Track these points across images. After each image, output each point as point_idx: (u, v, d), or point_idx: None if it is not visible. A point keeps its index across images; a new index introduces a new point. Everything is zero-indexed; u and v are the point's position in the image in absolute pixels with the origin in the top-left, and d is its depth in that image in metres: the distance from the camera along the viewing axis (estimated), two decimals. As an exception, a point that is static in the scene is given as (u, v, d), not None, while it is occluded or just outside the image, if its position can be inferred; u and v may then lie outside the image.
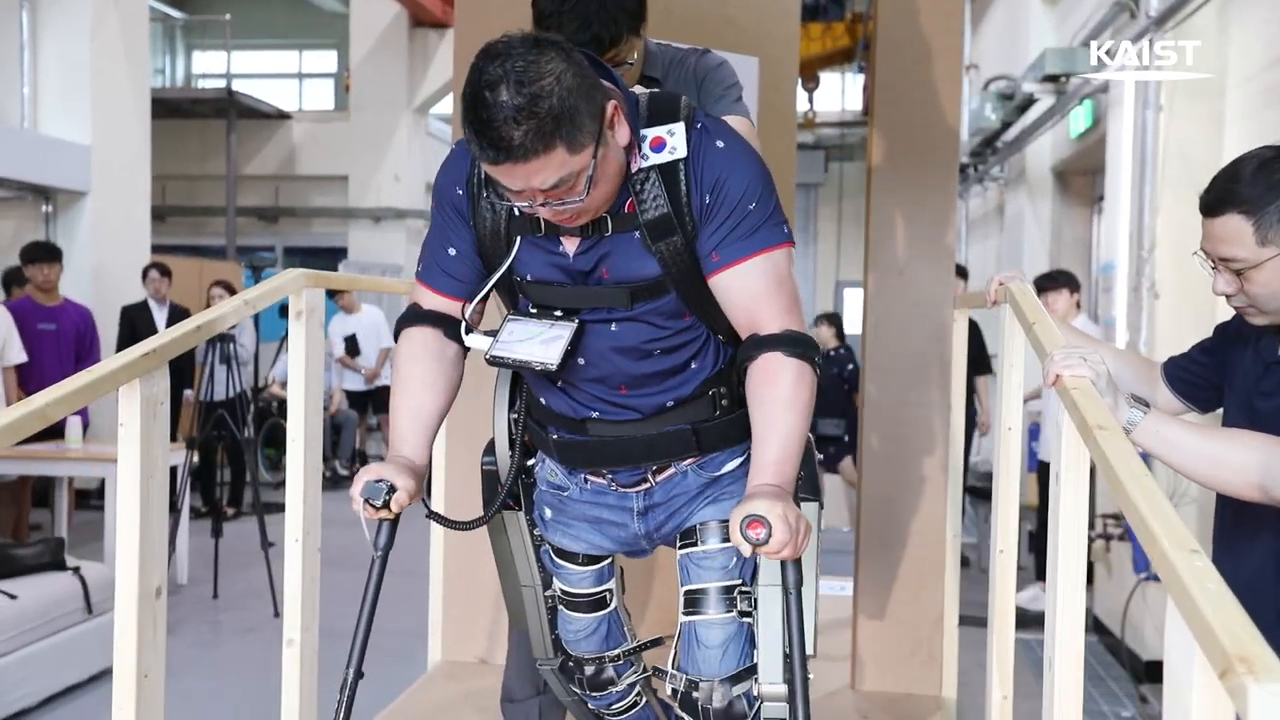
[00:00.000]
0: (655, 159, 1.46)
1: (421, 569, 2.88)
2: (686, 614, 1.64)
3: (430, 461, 1.61)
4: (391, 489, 1.48)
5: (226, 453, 7.14)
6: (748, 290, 1.49)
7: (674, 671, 1.66)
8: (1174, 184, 4.25)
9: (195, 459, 7.39)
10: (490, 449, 1.77)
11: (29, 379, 5.47)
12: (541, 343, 1.50)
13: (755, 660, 1.62)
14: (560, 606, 1.80)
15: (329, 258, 12.42)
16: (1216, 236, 1.58)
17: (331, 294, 8.64)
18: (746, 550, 1.37)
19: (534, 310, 1.54)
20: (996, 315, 2.11)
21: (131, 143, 7.70)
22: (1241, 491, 1.48)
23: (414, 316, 1.60)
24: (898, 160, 2.71)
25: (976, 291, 2.47)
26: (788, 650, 1.51)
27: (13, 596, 3.64)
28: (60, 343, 5.58)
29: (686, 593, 1.65)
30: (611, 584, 1.79)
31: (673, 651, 1.67)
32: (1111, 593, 4.72)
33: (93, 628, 3.95)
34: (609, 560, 1.77)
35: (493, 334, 1.54)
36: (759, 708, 1.62)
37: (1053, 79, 5.70)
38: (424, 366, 1.58)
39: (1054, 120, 6.04)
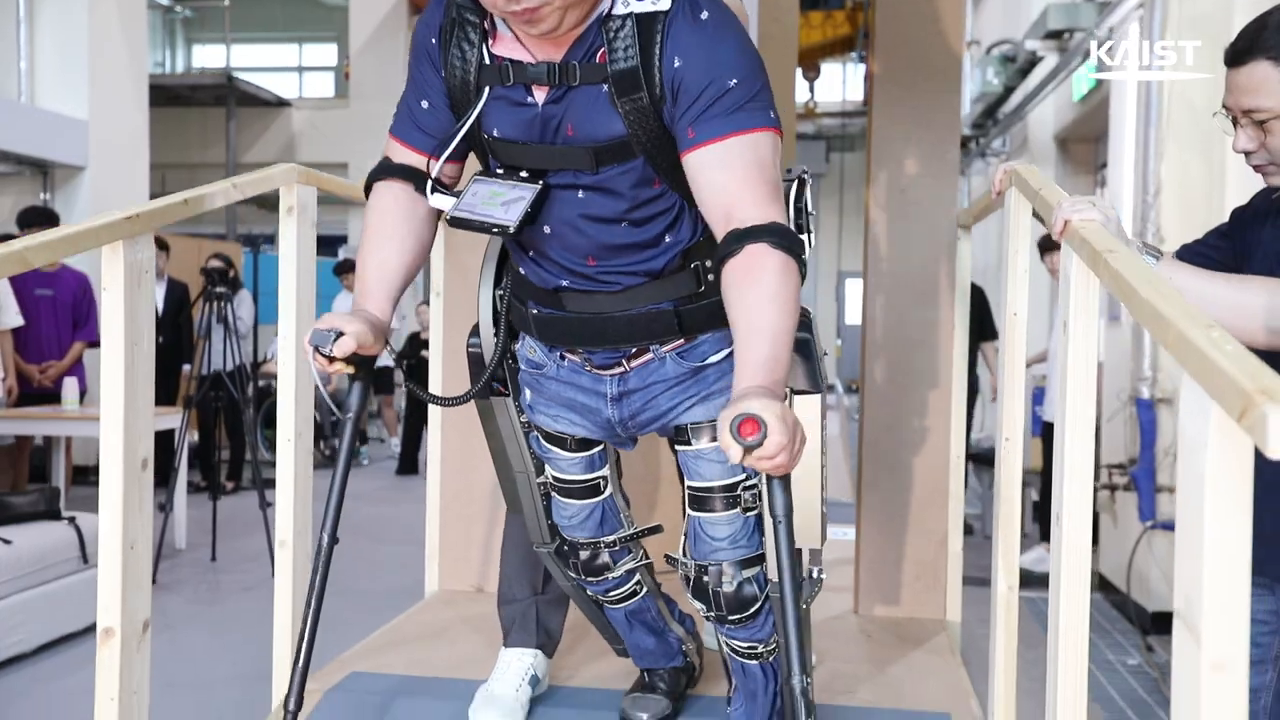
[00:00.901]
0: (636, 7, 1.39)
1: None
2: (692, 509, 1.63)
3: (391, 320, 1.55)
4: (339, 335, 1.42)
5: (226, 429, 7.11)
6: (724, 173, 1.38)
7: (684, 559, 1.66)
8: (1177, 128, 4.21)
9: (195, 437, 7.42)
10: (476, 331, 1.74)
11: (26, 344, 5.45)
12: (502, 204, 1.45)
13: (763, 549, 1.62)
14: (553, 493, 1.77)
15: (328, 246, 12.39)
16: (1241, 87, 1.55)
17: (338, 273, 8.71)
18: (736, 455, 1.21)
19: (500, 171, 1.50)
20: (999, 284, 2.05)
21: (130, 119, 7.68)
22: (1252, 336, 1.45)
23: (384, 169, 1.55)
24: (900, 74, 2.67)
25: (980, 197, 2.43)
26: (779, 581, 1.38)
27: (7, 542, 3.61)
28: (58, 309, 5.55)
29: (689, 489, 1.63)
30: (604, 471, 1.75)
31: (682, 539, 1.67)
32: (1117, 549, 4.68)
33: (89, 578, 3.90)
34: (600, 447, 1.73)
35: (458, 194, 1.49)
36: (768, 591, 1.62)
37: (1055, 35, 5.66)
38: (393, 220, 1.53)
39: (1058, 81, 6.00)
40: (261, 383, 7.29)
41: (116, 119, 7.49)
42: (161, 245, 6.81)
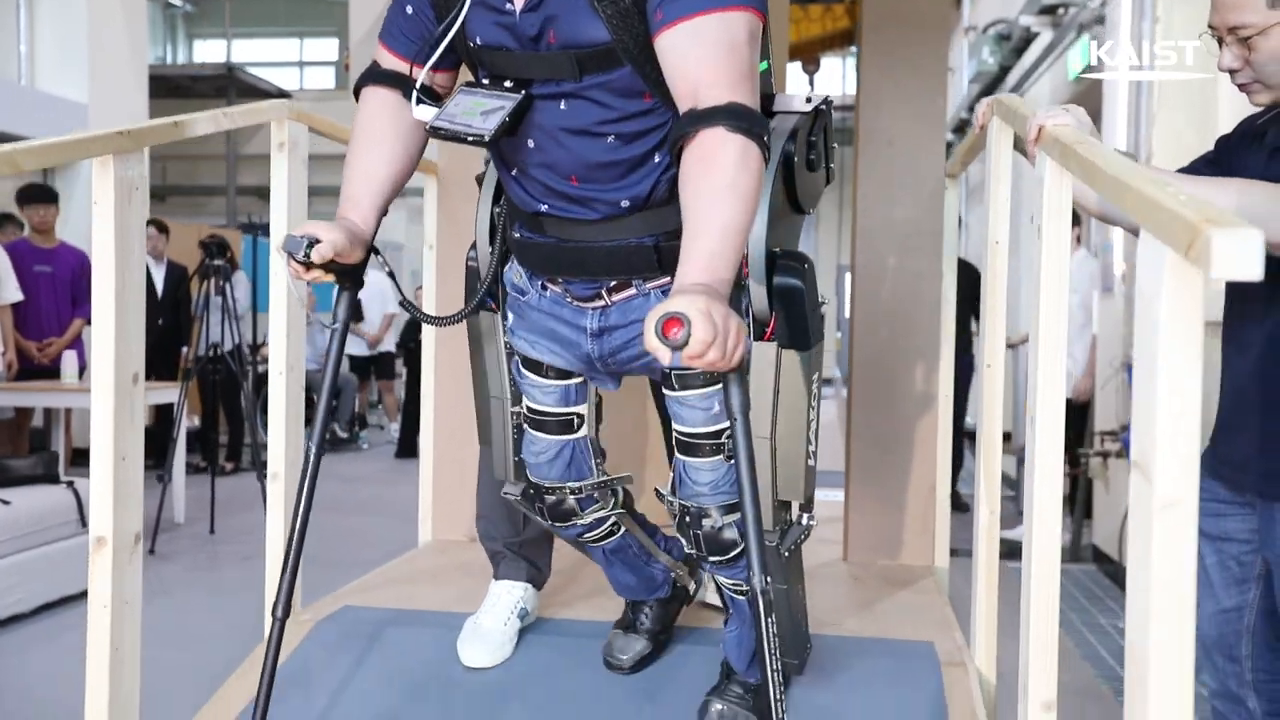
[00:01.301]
0: None
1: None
2: (678, 453, 1.62)
3: (376, 231, 1.52)
4: (314, 242, 1.38)
5: (225, 410, 7.14)
6: (691, 54, 1.29)
7: (670, 497, 1.66)
8: (1168, 92, 4.23)
9: (196, 421, 7.45)
10: (473, 246, 1.73)
11: (25, 320, 5.48)
12: (482, 114, 1.41)
13: None
14: (526, 425, 1.73)
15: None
16: (1225, 4, 1.58)
17: None
18: (665, 358, 1.16)
19: (487, 82, 1.46)
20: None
21: (129, 103, 7.70)
22: None
23: (372, 75, 1.53)
24: (887, 22, 2.70)
25: (963, 141, 2.46)
26: (737, 477, 1.33)
27: (6, 502, 3.64)
28: (56, 285, 5.58)
29: (676, 433, 1.62)
30: (581, 409, 1.70)
31: (671, 477, 1.67)
32: (1111, 516, 4.70)
33: (86, 542, 3.93)
34: (578, 381, 1.69)
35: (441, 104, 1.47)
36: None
37: (1050, 10, 5.68)
38: (379, 127, 1.51)
39: (1053, 58, 6.01)
40: (261, 367, 7.33)
41: (116, 103, 7.51)
42: (162, 228, 6.84)
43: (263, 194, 13.71)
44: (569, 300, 1.59)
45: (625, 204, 1.47)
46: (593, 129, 1.43)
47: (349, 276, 1.50)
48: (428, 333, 2.94)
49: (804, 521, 1.66)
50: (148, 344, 1.63)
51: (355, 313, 9.08)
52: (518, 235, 1.58)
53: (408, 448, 8.31)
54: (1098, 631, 3.96)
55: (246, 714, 1.83)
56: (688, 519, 1.62)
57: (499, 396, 1.75)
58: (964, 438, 5.93)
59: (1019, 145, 1.88)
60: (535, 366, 1.68)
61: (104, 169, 1.57)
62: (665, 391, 1.61)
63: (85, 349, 5.67)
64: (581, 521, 1.77)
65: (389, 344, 9.05)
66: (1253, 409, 1.76)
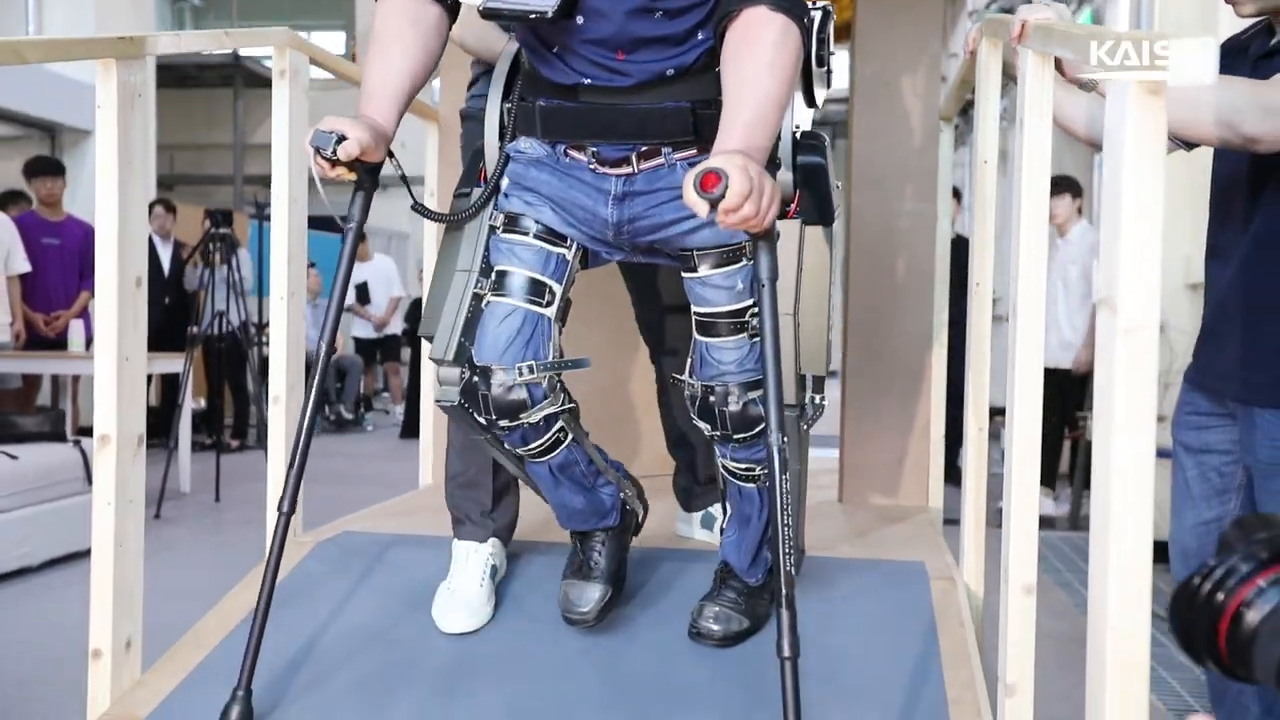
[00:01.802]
0: None
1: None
2: (699, 334, 1.62)
3: (396, 131, 1.52)
4: (341, 138, 1.39)
5: (230, 388, 7.20)
6: None
7: (690, 380, 1.66)
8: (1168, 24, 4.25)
9: (201, 402, 7.51)
10: (479, 149, 1.70)
11: (33, 293, 5.53)
12: None
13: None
14: (489, 296, 1.61)
15: (335, 226, 12.48)
16: None
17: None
18: (703, 211, 1.24)
19: None
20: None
21: (137, 84, 7.75)
22: (1202, 129, 1.50)
23: None
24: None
25: (954, 77, 2.48)
26: (761, 336, 1.41)
27: (13, 457, 3.69)
28: (64, 257, 5.63)
29: (697, 314, 1.62)
30: (555, 285, 1.61)
31: (689, 361, 1.67)
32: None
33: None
34: (561, 254, 1.62)
35: None
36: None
37: (1049, -20, 5.68)
38: (398, 25, 1.51)
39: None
40: (266, 349, 7.38)
41: (123, 84, 7.56)
42: (169, 208, 6.89)
43: (270, 183, 13.75)
44: (593, 166, 1.58)
45: (670, 72, 1.50)
46: (644, 5, 1.45)
47: (369, 175, 1.52)
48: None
49: (817, 401, 1.69)
50: (153, 323, 1.65)
51: (362, 295, 9.15)
52: (542, 104, 1.57)
53: (412, 429, 8.35)
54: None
55: (244, 627, 1.87)
56: (711, 399, 1.63)
57: (466, 269, 1.64)
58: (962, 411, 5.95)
59: (1009, 72, 1.91)
60: (521, 222, 1.62)
61: (107, 72, 1.60)
62: (685, 275, 1.61)
63: (92, 321, 5.72)
64: (529, 421, 1.60)
65: (395, 327, 9.10)
66: (1234, 319, 1.79)
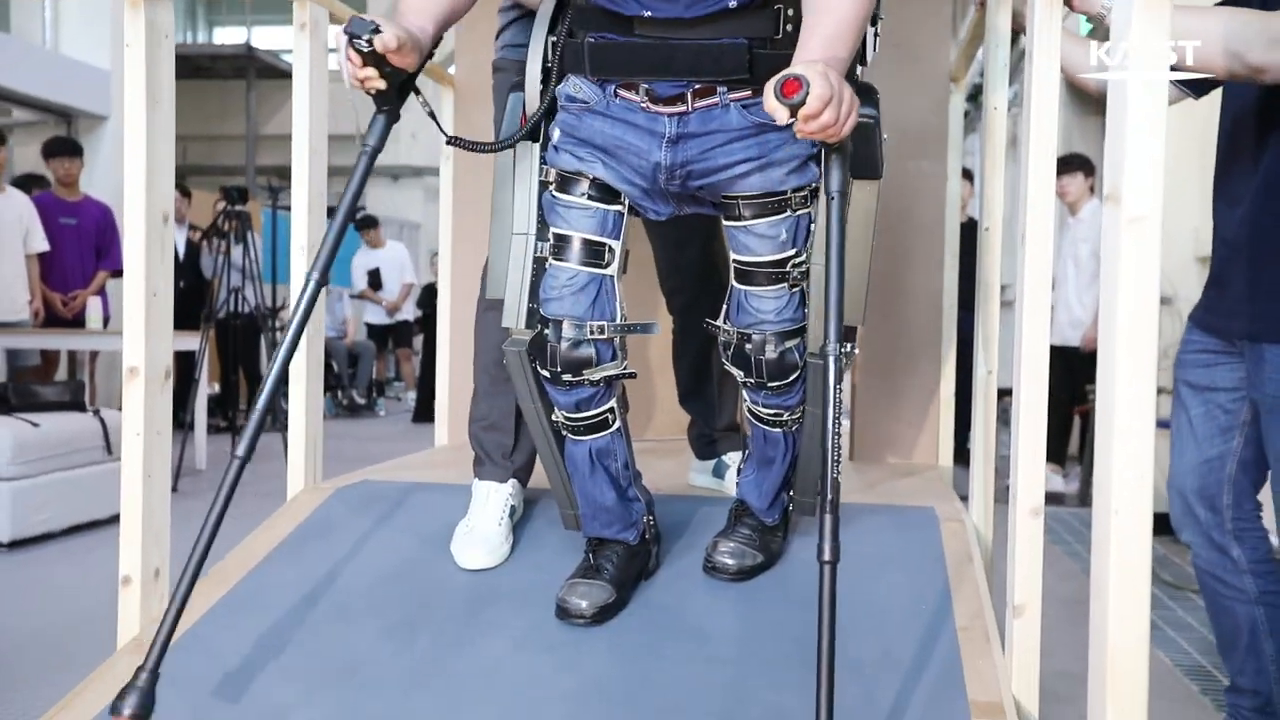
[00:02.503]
0: None
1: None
2: (738, 281, 1.60)
3: (433, 53, 1.50)
4: (378, 28, 1.34)
5: (244, 374, 7.26)
6: None
7: (725, 326, 1.63)
8: None
9: (216, 387, 7.58)
10: (517, 85, 1.67)
11: (50, 272, 5.59)
12: None
13: (806, 320, 1.60)
14: (550, 259, 1.61)
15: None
16: None
17: (358, 228, 8.87)
18: (783, 116, 1.24)
19: None
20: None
21: (152, 70, 7.82)
22: (1213, 63, 1.53)
23: None
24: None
25: (963, 37, 2.51)
26: (827, 249, 1.38)
27: (35, 425, 3.74)
28: (81, 237, 5.68)
29: (737, 262, 1.59)
30: (614, 243, 1.60)
31: (724, 308, 1.64)
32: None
33: (113, 469, 4.01)
34: (618, 210, 1.61)
35: None
36: (805, 364, 1.60)
37: (1060, -38, 5.67)
38: None
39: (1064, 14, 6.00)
40: (279, 334, 7.44)
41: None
42: (185, 192, 6.94)
43: (283, 174, 13.84)
44: (645, 105, 1.53)
45: (733, 3, 1.46)
46: None
47: (394, 91, 1.45)
48: (444, 291, 2.97)
49: (849, 348, 1.62)
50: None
51: (374, 281, 9.18)
52: (591, 40, 1.54)
53: (424, 413, 8.41)
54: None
55: (267, 564, 1.92)
56: (747, 346, 1.60)
57: (524, 232, 1.65)
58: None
59: (1018, 24, 1.94)
60: (574, 184, 1.59)
61: (135, 12, 1.64)
62: (728, 223, 1.59)
63: (109, 300, 5.79)
64: (591, 380, 1.61)
65: (407, 313, 9.16)
66: (1243, 257, 1.82)
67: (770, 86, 1.23)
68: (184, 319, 6.80)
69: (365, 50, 1.34)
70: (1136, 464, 0.98)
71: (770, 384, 1.62)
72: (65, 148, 5.65)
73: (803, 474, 1.77)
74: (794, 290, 1.58)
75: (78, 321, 5.53)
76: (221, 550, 1.97)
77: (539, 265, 1.64)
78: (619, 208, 1.60)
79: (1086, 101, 7.08)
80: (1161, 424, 4.13)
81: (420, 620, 1.73)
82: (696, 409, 2.31)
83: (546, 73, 1.61)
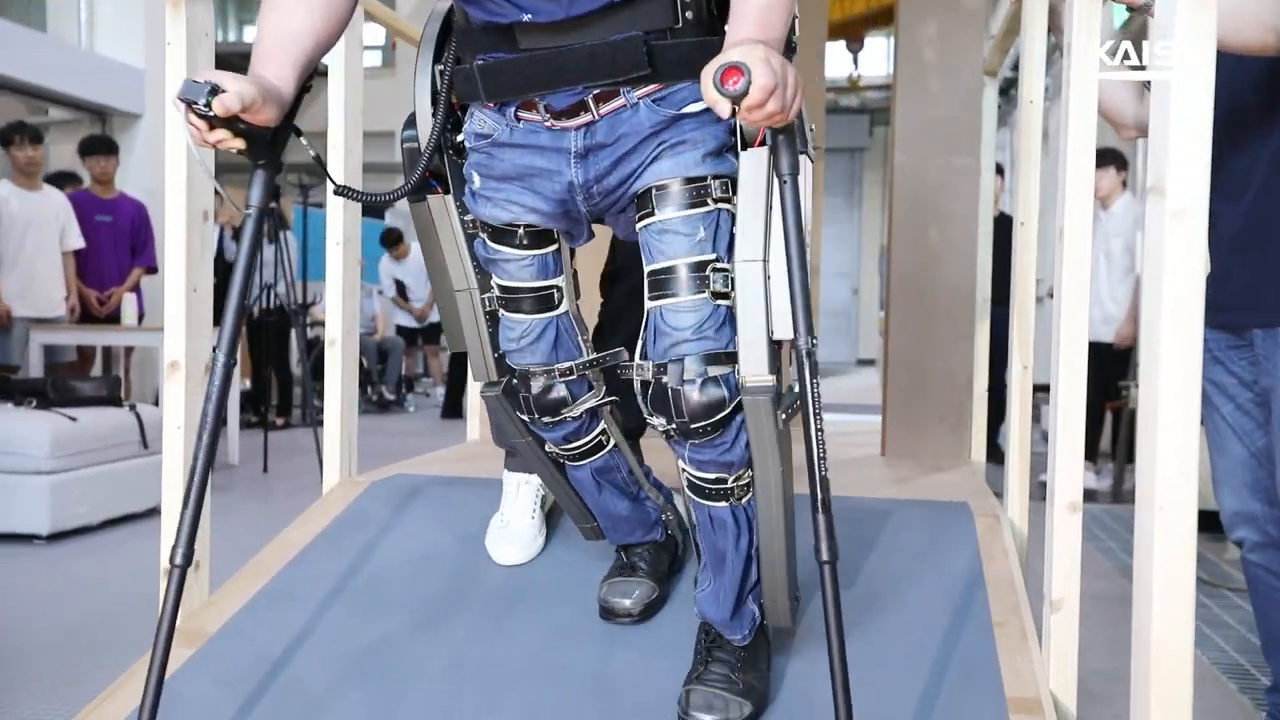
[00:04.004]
0: None
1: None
2: (652, 298, 1.38)
3: (298, 101, 1.32)
4: (216, 90, 1.17)
5: (274, 371, 7.33)
6: None
7: (642, 363, 1.39)
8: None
9: (247, 383, 7.65)
10: (410, 122, 1.52)
11: (86, 269, 5.65)
12: None
13: (735, 347, 1.34)
14: (500, 310, 1.53)
15: (376, 212, 12.61)
16: None
17: (385, 244, 8.95)
18: (725, 110, 1.12)
19: None
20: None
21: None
22: (1251, 40, 1.51)
23: None
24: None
25: (998, 30, 2.49)
26: (785, 233, 1.25)
27: (72, 419, 3.79)
28: (116, 235, 5.75)
29: (650, 274, 1.38)
30: (559, 281, 1.51)
31: (640, 344, 1.40)
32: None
33: (149, 464, 4.09)
34: (554, 248, 1.50)
35: None
36: (739, 402, 1.33)
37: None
38: None
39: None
40: (311, 334, 7.50)
41: (172, 69, 7.70)
42: (215, 192, 7.00)
43: (311, 170, 13.93)
44: (548, 124, 1.39)
45: (609, 2, 1.31)
46: None
47: (263, 150, 1.29)
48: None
49: (794, 387, 1.37)
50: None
51: (401, 291, 9.22)
52: (480, 63, 1.39)
53: (452, 409, 8.45)
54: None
55: (304, 556, 1.94)
56: (664, 379, 1.35)
57: (465, 288, 1.58)
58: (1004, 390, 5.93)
59: (1054, 23, 1.93)
60: (506, 236, 1.47)
61: (176, 11, 1.67)
62: (642, 224, 1.39)
63: (143, 298, 5.86)
64: (572, 415, 1.54)
65: (436, 316, 9.22)
66: (1248, 249, 1.79)
67: (707, 76, 1.12)
68: (215, 313, 6.92)
69: (208, 115, 1.18)
70: (1181, 457, 0.97)
71: (694, 425, 1.34)
72: (102, 146, 5.72)
73: (770, 570, 1.43)
74: (718, 304, 1.34)
75: (112, 318, 5.60)
76: (259, 542, 2.00)
77: (491, 317, 1.58)
78: (554, 247, 1.50)
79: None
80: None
81: (457, 611, 1.74)
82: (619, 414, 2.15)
83: (435, 100, 1.47)
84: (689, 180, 1.35)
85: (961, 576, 1.78)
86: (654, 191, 1.36)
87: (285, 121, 1.30)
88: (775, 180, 1.27)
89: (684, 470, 1.44)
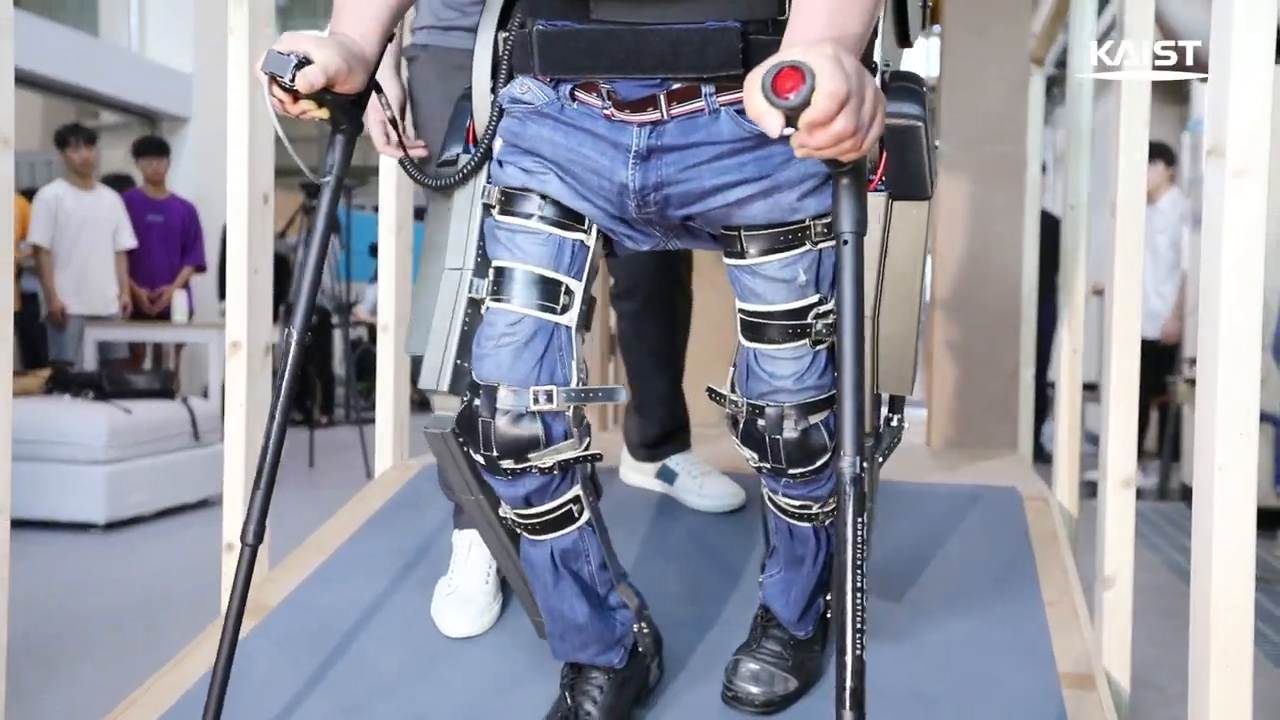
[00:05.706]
0: None
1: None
2: (746, 338, 1.24)
3: (381, 57, 1.21)
4: (303, 62, 1.08)
5: (316, 371, 7.43)
6: None
7: (733, 396, 1.26)
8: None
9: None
10: (466, 94, 1.33)
11: (138, 268, 5.77)
12: None
13: (834, 390, 1.12)
14: (488, 301, 1.24)
15: (419, 215, 12.76)
16: None
17: None
18: (775, 124, 0.84)
19: None
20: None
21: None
22: None
23: None
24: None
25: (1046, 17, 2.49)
26: (838, 319, 0.98)
27: (128, 411, 3.88)
28: (167, 234, 5.86)
29: (741, 313, 1.23)
30: (573, 283, 1.23)
31: (730, 370, 1.28)
32: (1202, 453, 4.63)
33: (201, 456, 4.17)
34: (580, 239, 1.24)
35: None
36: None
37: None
38: None
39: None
40: (353, 335, 7.59)
41: (219, 75, 7.83)
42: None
43: (353, 173, 14.12)
44: (608, 113, 1.18)
45: None
46: None
47: (345, 115, 1.19)
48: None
49: (894, 423, 1.33)
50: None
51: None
52: (540, 27, 1.19)
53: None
54: (1186, 554, 3.93)
55: (362, 532, 1.98)
56: (760, 423, 1.23)
57: (458, 268, 1.30)
58: (1049, 389, 5.89)
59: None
60: (521, 202, 1.24)
61: (238, 1, 1.72)
62: (729, 261, 1.23)
63: (193, 296, 5.96)
64: (541, 465, 1.22)
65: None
66: None
67: (756, 80, 0.84)
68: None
69: (293, 88, 1.10)
70: (1243, 418, 0.98)
71: (792, 471, 1.25)
72: (154, 147, 5.84)
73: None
74: (818, 349, 1.21)
75: (163, 315, 5.71)
76: (307, 529, 2.04)
77: (474, 309, 1.28)
78: (581, 236, 1.24)
79: (1164, 90, 6.93)
80: (1265, 417, 4.04)
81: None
82: (637, 424, 2.06)
83: (496, 69, 1.28)
84: (786, 224, 1.18)
85: (1011, 557, 1.78)
86: (744, 233, 1.19)
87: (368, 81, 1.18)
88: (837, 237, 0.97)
89: (771, 495, 1.35)
